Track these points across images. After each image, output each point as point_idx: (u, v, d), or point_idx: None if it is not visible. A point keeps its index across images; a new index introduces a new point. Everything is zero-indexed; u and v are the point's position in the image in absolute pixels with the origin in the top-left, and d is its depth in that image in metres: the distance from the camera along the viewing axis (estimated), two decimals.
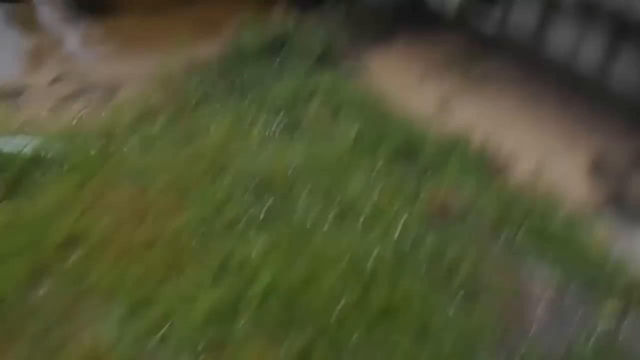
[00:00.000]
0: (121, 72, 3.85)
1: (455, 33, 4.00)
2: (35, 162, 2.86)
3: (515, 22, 3.32)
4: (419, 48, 4.02)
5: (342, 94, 3.34)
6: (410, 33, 4.19)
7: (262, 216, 2.60)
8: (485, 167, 2.96)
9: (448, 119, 3.36)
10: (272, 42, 3.72)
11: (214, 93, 3.44)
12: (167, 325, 2.14)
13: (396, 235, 2.54)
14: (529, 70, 3.66)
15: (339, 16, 4.16)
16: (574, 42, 3.10)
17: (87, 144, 2.99)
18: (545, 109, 3.45)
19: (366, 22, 4.15)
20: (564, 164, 3.06)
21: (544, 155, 3.07)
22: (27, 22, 4.54)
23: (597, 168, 3.03)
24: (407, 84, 3.62)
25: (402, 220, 2.60)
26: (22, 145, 2.92)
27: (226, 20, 4.07)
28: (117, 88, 3.74)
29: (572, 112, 3.39)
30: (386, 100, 3.44)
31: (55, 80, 3.79)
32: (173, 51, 3.69)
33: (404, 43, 4.10)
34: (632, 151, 3.08)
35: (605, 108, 3.26)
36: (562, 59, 3.20)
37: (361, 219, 2.61)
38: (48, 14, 4.61)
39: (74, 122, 3.26)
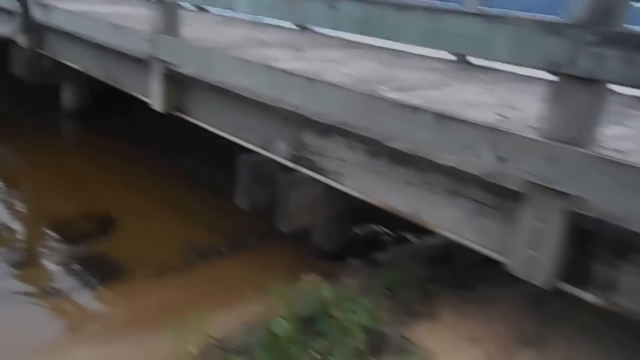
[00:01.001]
0: None
1: (513, 290, 3.39)
2: None
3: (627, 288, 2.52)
4: (473, 316, 3.39)
5: None
6: (456, 294, 3.61)
7: None
8: None
9: None
10: (305, 323, 3.11)
11: None
12: None
13: None
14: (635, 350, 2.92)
15: (375, 279, 3.65)
16: None
17: None
18: None
19: (405, 283, 3.61)
20: None
21: None
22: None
23: None
24: None
25: None
26: None
27: (247, 282, 3.49)
28: None
29: None
30: None
31: None
32: (186, 329, 3.07)
33: (451, 309, 3.48)
34: None
35: None
36: None
37: None
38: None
39: None
